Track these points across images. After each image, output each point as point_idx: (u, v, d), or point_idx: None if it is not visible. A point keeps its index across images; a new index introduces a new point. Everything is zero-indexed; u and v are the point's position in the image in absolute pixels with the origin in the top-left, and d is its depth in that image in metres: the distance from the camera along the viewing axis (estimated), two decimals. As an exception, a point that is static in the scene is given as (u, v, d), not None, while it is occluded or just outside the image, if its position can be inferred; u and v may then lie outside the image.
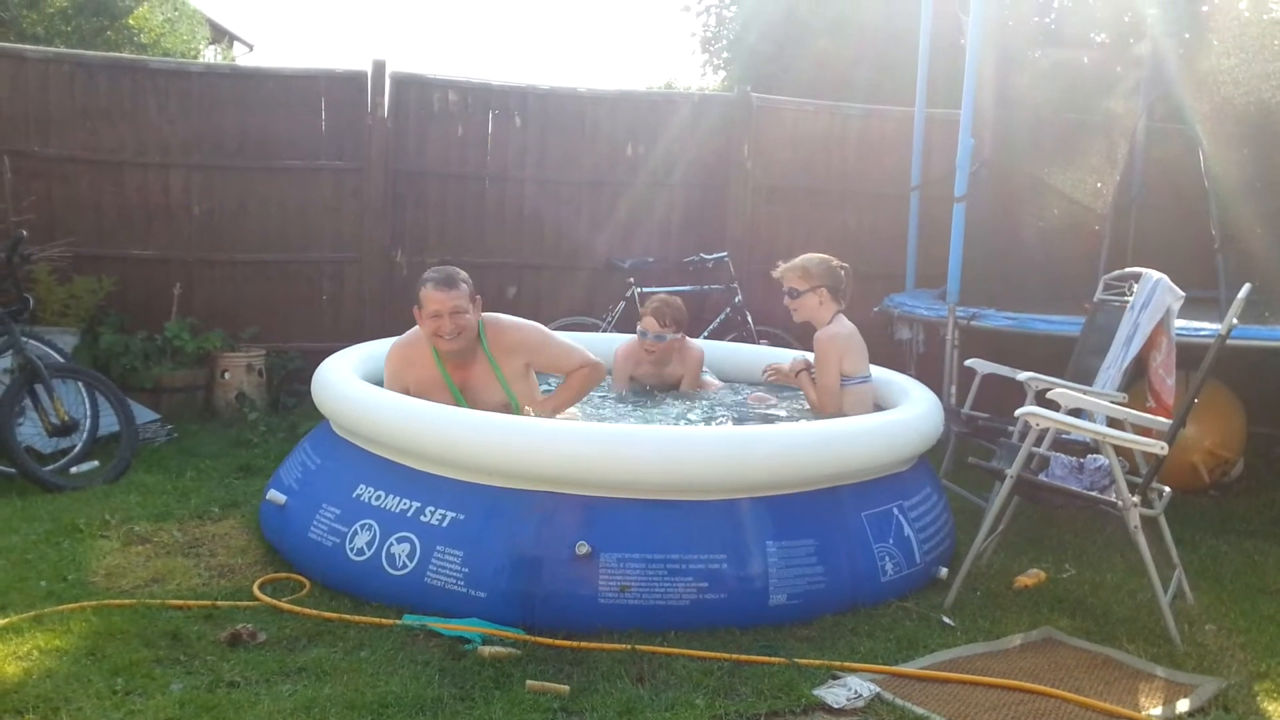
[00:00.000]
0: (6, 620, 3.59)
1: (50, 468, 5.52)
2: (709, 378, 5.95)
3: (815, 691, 3.30)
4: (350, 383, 4.61)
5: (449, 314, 4.39)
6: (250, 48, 23.96)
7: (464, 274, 4.53)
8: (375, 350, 5.45)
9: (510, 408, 4.59)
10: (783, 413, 5.38)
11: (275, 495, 4.52)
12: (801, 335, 8.04)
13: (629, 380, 5.88)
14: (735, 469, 3.92)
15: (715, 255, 8.25)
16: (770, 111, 8.77)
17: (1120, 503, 3.89)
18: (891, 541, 4.16)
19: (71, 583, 4.01)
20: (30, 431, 5.64)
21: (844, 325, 4.91)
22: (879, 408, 4.97)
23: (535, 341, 4.76)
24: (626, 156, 8.50)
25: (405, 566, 3.85)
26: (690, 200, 8.63)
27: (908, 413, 4.61)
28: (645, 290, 8.05)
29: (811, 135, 8.80)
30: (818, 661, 3.51)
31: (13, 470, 5.37)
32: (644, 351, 5.74)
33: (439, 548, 3.82)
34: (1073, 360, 5.44)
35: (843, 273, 4.95)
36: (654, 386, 5.90)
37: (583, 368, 4.73)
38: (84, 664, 3.30)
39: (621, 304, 8.02)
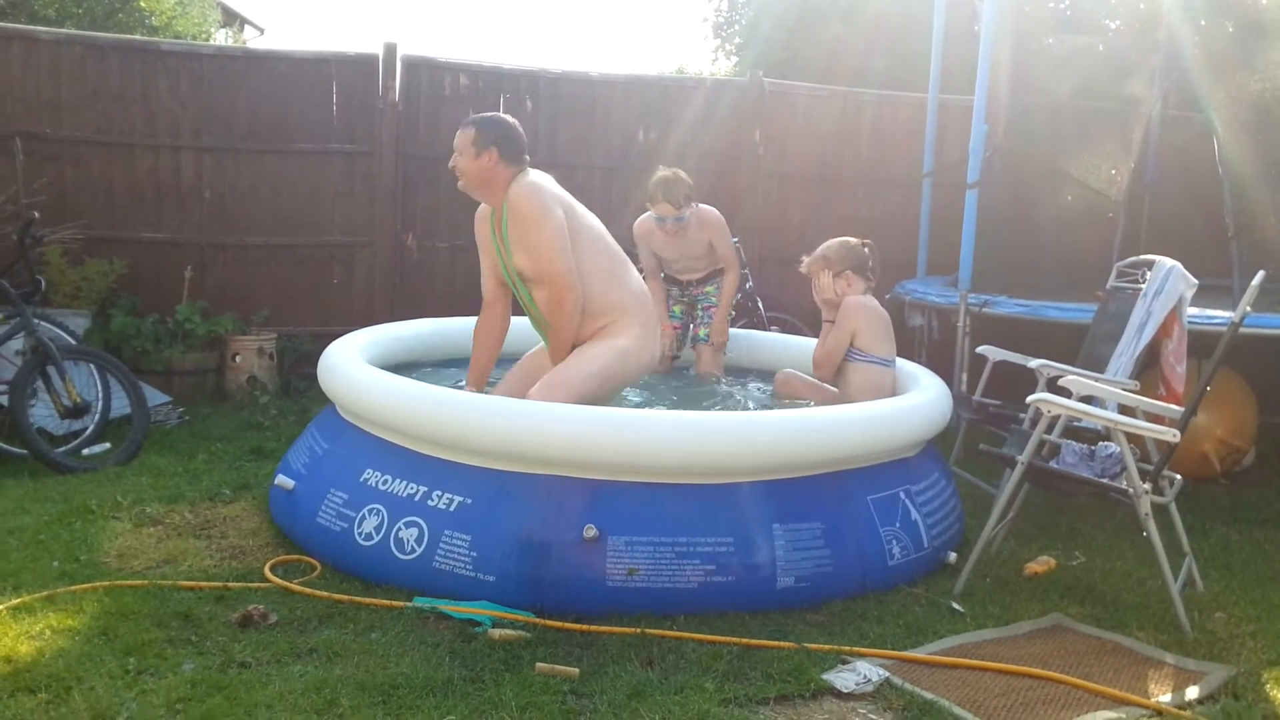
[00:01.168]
0: (20, 600, 3.61)
1: (62, 449, 5.54)
2: (715, 355, 5.96)
3: (824, 676, 3.30)
4: (357, 367, 4.60)
5: (455, 151, 4.40)
6: (261, 31, 23.96)
7: (499, 121, 4.41)
8: (380, 335, 5.45)
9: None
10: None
11: (283, 480, 4.53)
12: (813, 321, 8.03)
13: (653, 257, 5.99)
14: (741, 452, 3.92)
15: (727, 241, 8.22)
16: (783, 97, 8.74)
17: (1131, 490, 3.88)
18: (898, 525, 4.16)
19: (84, 563, 4.03)
20: (42, 413, 5.66)
21: (872, 301, 4.92)
22: (892, 392, 4.97)
23: (527, 217, 4.36)
24: (638, 141, 8.49)
25: (414, 551, 3.86)
26: (701, 186, 8.50)
27: (914, 399, 4.60)
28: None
29: (824, 121, 8.77)
30: (827, 646, 3.51)
31: (25, 452, 5.39)
32: (665, 235, 5.77)
33: (447, 532, 3.82)
34: (1085, 347, 5.43)
35: (866, 250, 4.96)
36: (681, 272, 6.05)
37: (554, 297, 4.40)
38: (96, 643, 3.31)
39: (632, 289, 8.00)
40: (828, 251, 4.97)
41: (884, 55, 12.30)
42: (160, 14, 14.32)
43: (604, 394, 4.58)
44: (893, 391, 4.91)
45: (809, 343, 5.58)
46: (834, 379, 5.03)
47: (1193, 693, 3.34)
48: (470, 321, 4.90)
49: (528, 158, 4.50)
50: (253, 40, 23.17)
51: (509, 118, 4.55)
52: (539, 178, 4.49)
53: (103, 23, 12.78)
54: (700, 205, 5.90)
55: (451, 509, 3.86)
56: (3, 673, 3.10)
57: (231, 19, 22.35)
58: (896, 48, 12.26)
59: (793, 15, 14.46)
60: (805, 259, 5.06)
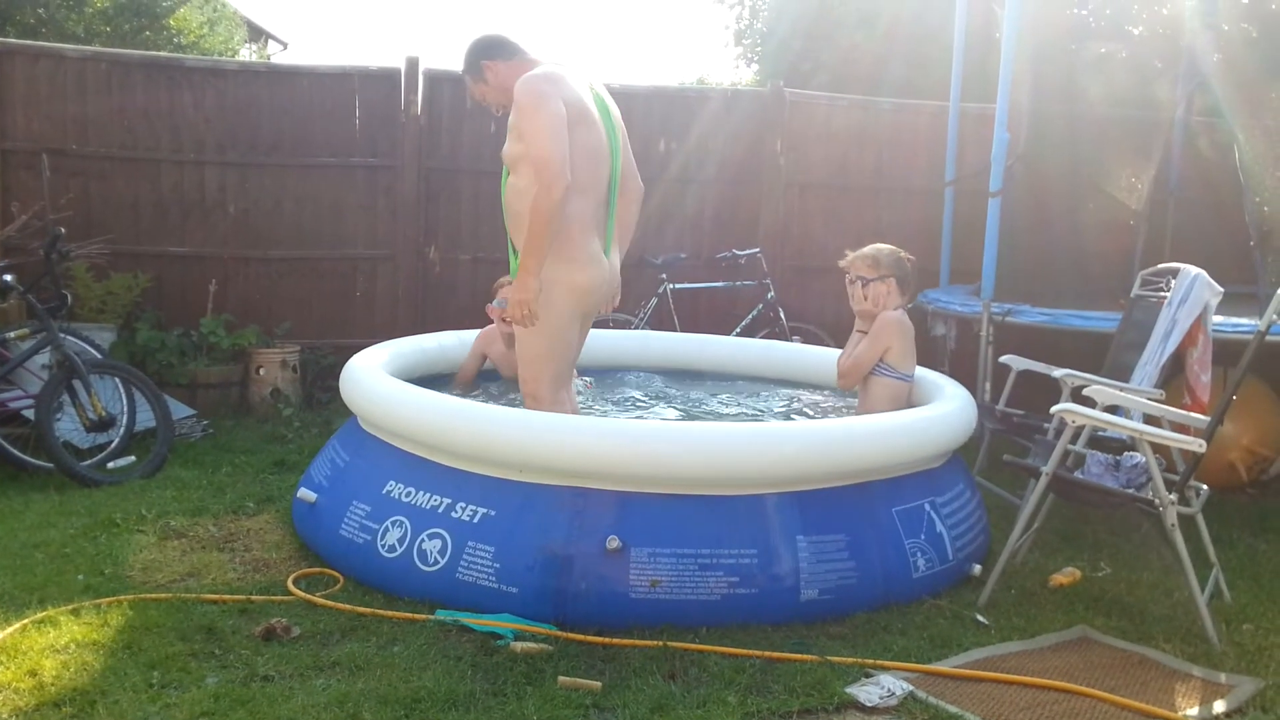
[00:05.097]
0: (45, 613, 3.63)
1: (87, 463, 5.58)
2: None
3: (848, 689, 3.28)
4: (378, 379, 4.62)
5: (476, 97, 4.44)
6: (284, 46, 24.13)
7: (474, 44, 4.27)
8: (402, 347, 5.46)
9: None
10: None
11: (306, 493, 4.54)
12: (835, 330, 8.03)
13: (481, 359, 5.68)
14: (765, 463, 3.91)
15: (748, 251, 8.23)
16: (803, 107, 8.73)
17: (1157, 501, 3.84)
18: (923, 537, 4.13)
19: (108, 577, 4.05)
20: (68, 427, 5.71)
21: (906, 319, 4.86)
22: (910, 406, 4.94)
23: (519, 98, 4.05)
24: (659, 152, 8.48)
25: (437, 563, 3.86)
26: (723, 196, 8.60)
27: (939, 409, 4.57)
28: (677, 287, 8.05)
29: (844, 130, 8.75)
30: (850, 659, 3.50)
31: (51, 465, 5.43)
32: (502, 323, 5.28)
33: (470, 544, 3.83)
34: (1109, 356, 5.39)
35: (910, 265, 4.90)
36: (503, 371, 5.63)
37: (536, 186, 3.94)
38: (121, 657, 3.34)
39: (654, 300, 8.01)
40: (878, 253, 4.84)
41: (901, 63, 12.31)
42: (188, 32, 14.42)
43: (576, 337, 4.36)
44: (909, 405, 4.89)
45: (829, 353, 5.56)
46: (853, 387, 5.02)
47: (1220, 706, 3.31)
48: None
49: (524, 49, 4.30)
50: (276, 55, 23.35)
51: (480, 35, 4.38)
52: (549, 69, 4.21)
53: (129, 41, 12.87)
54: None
55: (475, 520, 3.87)
56: (28, 687, 3.12)
57: (257, 35, 22.55)
58: (914, 55, 12.27)
59: (810, 23, 14.47)
60: (849, 253, 4.95)
